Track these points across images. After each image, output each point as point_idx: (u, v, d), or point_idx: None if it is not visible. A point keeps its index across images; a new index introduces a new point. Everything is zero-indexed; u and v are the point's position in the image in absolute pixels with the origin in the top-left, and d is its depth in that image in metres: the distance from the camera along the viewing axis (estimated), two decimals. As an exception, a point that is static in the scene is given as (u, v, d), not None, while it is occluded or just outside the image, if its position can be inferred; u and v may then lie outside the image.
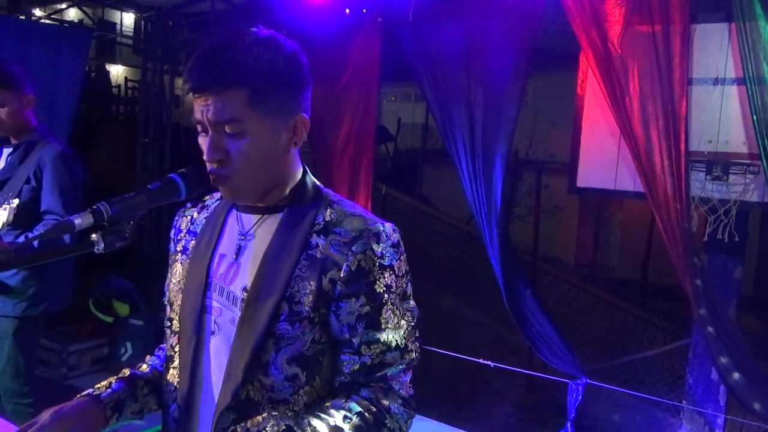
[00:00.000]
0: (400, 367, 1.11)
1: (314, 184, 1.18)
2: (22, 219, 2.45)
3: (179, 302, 1.19)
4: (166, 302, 1.30)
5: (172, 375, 1.18)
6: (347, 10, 3.99)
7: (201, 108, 1.04)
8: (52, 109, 4.53)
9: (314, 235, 1.10)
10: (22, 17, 4.93)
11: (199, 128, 1.07)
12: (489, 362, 3.53)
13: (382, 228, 1.10)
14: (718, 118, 3.21)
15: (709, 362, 3.60)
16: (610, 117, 3.24)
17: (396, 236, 1.12)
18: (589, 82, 3.60)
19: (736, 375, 3.00)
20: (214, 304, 1.14)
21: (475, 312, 6.78)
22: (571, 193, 4.26)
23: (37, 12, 5.77)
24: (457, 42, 3.59)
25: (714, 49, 3.16)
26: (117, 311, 4.47)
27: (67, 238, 2.25)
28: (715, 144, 3.22)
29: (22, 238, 2.43)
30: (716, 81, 3.20)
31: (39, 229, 2.47)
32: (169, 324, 1.22)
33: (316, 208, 1.13)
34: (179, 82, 6.27)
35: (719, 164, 3.23)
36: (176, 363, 1.17)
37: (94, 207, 0.97)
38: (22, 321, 2.60)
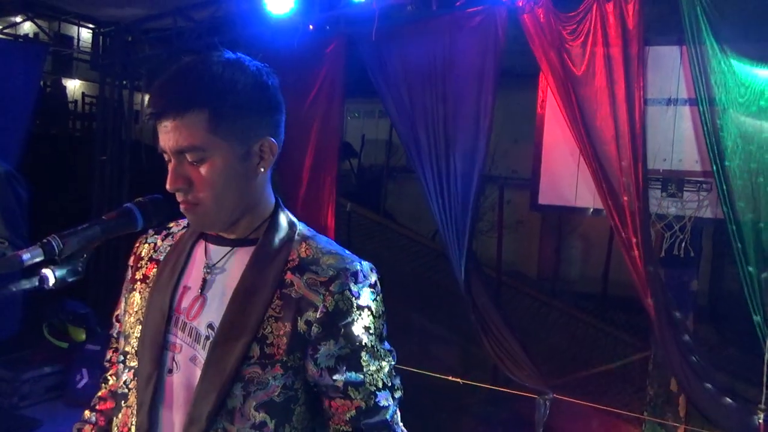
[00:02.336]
0: (394, 408, 1.08)
1: (287, 216, 1.13)
2: None
3: (136, 335, 1.10)
4: (116, 334, 1.22)
5: (125, 414, 1.09)
6: (311, 27, 4.00)
7: (163, 136, 1.01)
8: (4, 125, 4.38)
9: (288, 273, 1.04)
10: (-26, 31, 4.78)
11: (165, 157, 1.04)
12: (458, 380, 3.53)
13: (359, 267, 1.06)
14: (672, 137, 3.32)
15: (668, 374, 3.69)
16: (570, 135, 3.32)
17: (374, 276, 1.08)
18: (548, 101, 3.68)
19: (695, 384, 3.08)
20: (176, 340, 1.06)
21: (439, 327, 6.79)
22: (533, 210, 4.34)
23: (-11, 25, 5.59)
24: (420, 61, 3.63)
25: (667, 71, 3.28)
26: (72, 336, 4.30)
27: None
28: (669, 162, 3.33)
29: None
30: (669, 101, 3.31)
31: None
32: (122, 359, 1.13)
33: (290, 242, 1.08)
34: (138, 97, 6.16)
35: (674, 182, 3.33)
36: (130, 401, 1.08)
37: (45, 241, 0.92)
38: None
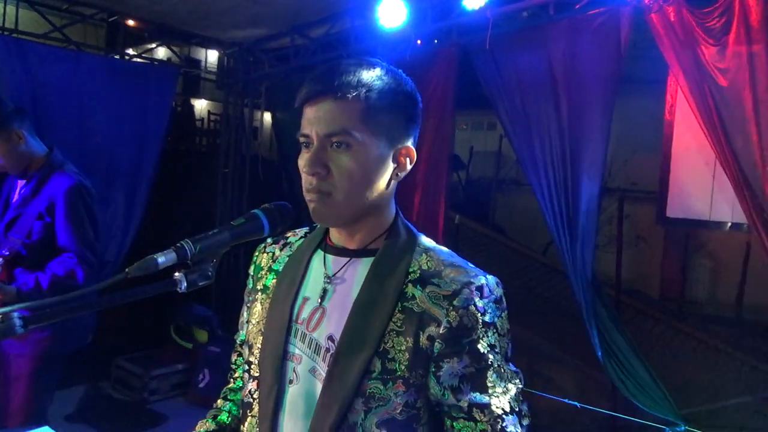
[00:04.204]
0: None
1: (407, 226, 1.11)
2: (34, 256, 2.36)
3: (259, 345, 1.11)
4: (240, 342, 1.24)
5: (251, 424, 1.10)
6: (419, 41, 3.99)
7: (312, 119, 1.01)
8: (142, 143, 4.78)
9: (410, 285, 1.01)
10: (117, 56, 5.27)
11: (304, 141, 1.03)
12: (575, 403, 3.33)
13: (485, 281, 1.02)
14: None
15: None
16: (704, 143, 3.03)
17: (499, 291, 1.03)
18: (678, 107, 3.42)
19: None
20: (296, 351, 1.06)
21: (551, 346, 6.50)
22: (660, 224, 4.03)
23: (130, 51, 6.16)
24: (536, 68, 3.50)
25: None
26: (196, 338, 4.57)
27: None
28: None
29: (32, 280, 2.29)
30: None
31: (53, 267, 2.35)
32: (247, 368, 1.14)
33: (410, 254, 1.05)
34: (257, 114, 6.49)
35: (832, 193, 2.94)
36: (255, 411, 1.09)
37: (178, 245, 0.93)
38: (41, 360, 2.44)
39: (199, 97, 13.08)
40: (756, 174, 2.76)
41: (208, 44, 5.76)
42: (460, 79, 3.94)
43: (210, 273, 0.96)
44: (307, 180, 1.02)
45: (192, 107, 11.55)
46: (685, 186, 3.47)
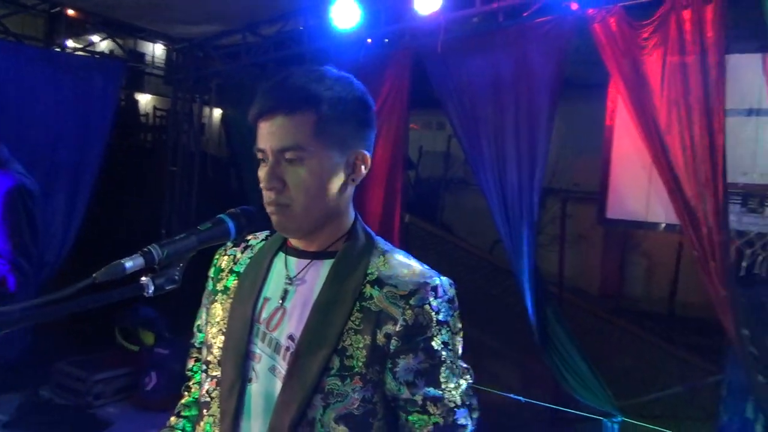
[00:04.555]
0: (472, 428, 1.07)
1: (365, 230, 1.14)
2: None
3: (219, 345, 1.12)
4: (198, 344, 1.25)
5: (208, 423, 1.11)
6: (368, 40, 4.02)
7: (265, 134, 1.04)
8: (85, 139, 4.63)
9: (368, 286, 1.05)
10: (58, 49, 5.07)
11: (261, 156, 1.06)
12: (520, 397, 3.45)
13: (439, 282, 1.07)
14: (753, 149, 3.16)
15: (744, 400, 3.49)
16: (641, 147, 3.20)
17: (452, 291, 1.08)
18: (619, 112, 3.58)
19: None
20: (256, 350, 1.09)
21: (496, 342, 6.68)
22: (601, 224, 4.20)
23: (70, 43, 5.94)
24: (486, 72, 3.61)
25: (748, 80, 3.13)
26: (142, 340, 4.46)
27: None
28: (750, 176, 3.17)
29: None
30: (750, 112, 3.16)
31: None
32: (205, 368, 1.16)
33: (369, 256, 1.09)
34: (206, 111, 6.39)
35: (755, 196, 3.17)
36: (213, 410, 1.11)
37: (145, 249, 0.94)
38: None
39: (143, 91, 12.70)
40: (687, 178, 2.95)
41: (155, 38, 5.62)
42: (410, 79, 4.02)
43: (177, 277, 0.97)
44: (266, 194, 1.06)
45: (136, 102, 11.21)
46: (624, 188, 3.64)
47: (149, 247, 0.95)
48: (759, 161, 3.14)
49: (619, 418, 3.28)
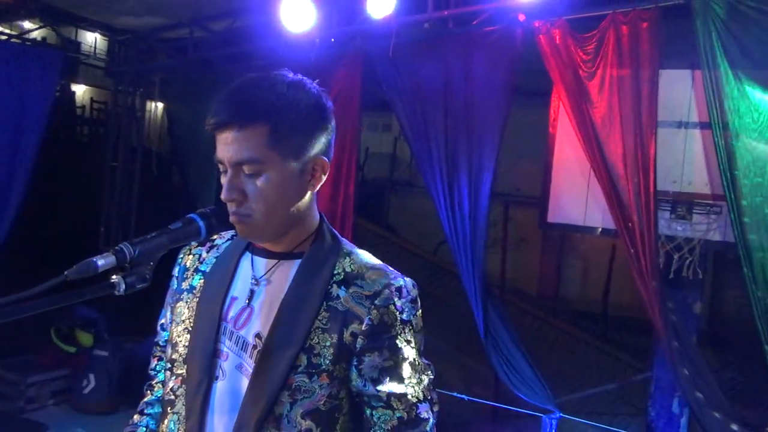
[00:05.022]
0: (433, 421, 1.11)
1: (331, 231, 1.17)
2: None
3: (185, 343, 1.14)
4: (162, 343, 1.25)
5: (172, 420, 1.12)
6: (317, 40, 4.02)
7: (222, 146, 1.05)
8: (18, 132, 4.41)
9: (334, 286, 1.09)
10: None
11: (221, 167, 1.07)
12: (463, 396, 3.54)
13: (403, 283, 1.11)
14: (682, 159, 3.37)
15: (670, 395, 3.71)
16: (581, 154, 3.36)
17: (415, 292, 1.12)
18: (560, 120, 3.73)
19: (700, 401, 3.10)
20: (223, 348, 1.10)
21: (439, 342, 6.79)
22: (542, 228, 4.36)
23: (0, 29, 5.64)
24: (436, 77, 3.69)
25: (678, 94, 3.34)
26: (80, 341, 4.29)
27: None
28: (679, 184, 3.38)
29: None
30: (680, 124, 3.37)
31: None
32: (169, 366, 1.16)
33: (335, 257, 1.12)
34: (150, 105, 6.20)
35: (683, 204, 3.38)
36: (177, 407, 1.12)
37: (117, 248, 0.94)
38: None
39: (78, 82, 12.16)
40: (622, 186, 3.11)
41: (95, 28, 5.42)
42: (361, 81, 4.05)
43: (147, 276, 0.97)
44: (228, 205, 1.07)
45: (73, 93, 10.71)
46: (564, 194, 3.78)
47: (120, 245, 0.95)
48: (687, 171, 3.35)
49: (558, 415, 3.42)
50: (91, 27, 5.40)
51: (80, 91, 12.02)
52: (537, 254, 9.82)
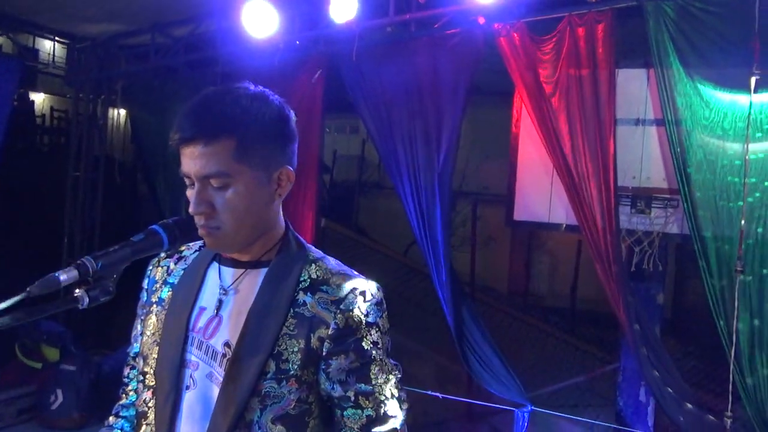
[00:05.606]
0: (402, 418, 1.13)
1: (297, 239, 1.19)
2: None
3: (154, 355, 1.15)
4: (134, 355, 1.26)
5: (146, 431, 1.15)
6: (280, 45, 4.02)
7: (188, 161, 1.06)
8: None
9: (301, 293, 1.10)
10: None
11: (187, 181, 1.08)
12: (437, 394, 3.58)
13: (367, 287, 1.13)
14: (640, 156, 3.48)
15: (637, 385, 3.82)
16: (544, 153, 3.44)
17: (380, 294, 1.14)
18: (523, 120, 3.81)
19: (664, 389, 3.21)
20: (192, 358, 1.12)
21: (411, 342, 6.84)
22: (509, 226, 4.44)
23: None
24: (399, 79, 3.73)
25: (635, 93, 3.44)
26: (46, 356, 4.19)
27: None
28: (638, 180, 3.48)
29: None
30: (638, 122, 3.47)
31: None
32: (141, 378, 1.18)
33: (301, 264, 1.14)
34: (113, 113, 6.10)
35: (642, 198, 3.48)
36: (150, 419, 1.14)
37: (79, 262, 0.95)
38: None
39: (37, 90, 11.86)
40: (583, 183, 3.20)
41: (53, 36, 5.30)
42: (325, 85, 4.06)
43: (111, 288, 0.97)
44: (195, 217, 1.08)
45: (32, 102, 10.43)
46: (529, 192, 3.86)
47: (82, 259, 0.95)
48: (645, 166, 3.46)
49: (530, 408, 3.49)
50: (49, 34, 5.29)
51: (39, 99, 11.72)
52: (506, 252, 9.94)
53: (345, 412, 1.10)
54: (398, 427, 1.12)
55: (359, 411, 1.10)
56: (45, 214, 5.70)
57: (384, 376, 1.12)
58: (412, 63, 3.69)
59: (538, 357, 7.17)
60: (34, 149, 8.88)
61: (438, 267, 3.58)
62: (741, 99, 2.80)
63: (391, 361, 1.16)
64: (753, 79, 2.72)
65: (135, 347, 1.25)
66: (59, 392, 3.99)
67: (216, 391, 1.08)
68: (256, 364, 1.06)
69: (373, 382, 1.10)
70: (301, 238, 1.21)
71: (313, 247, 1.21)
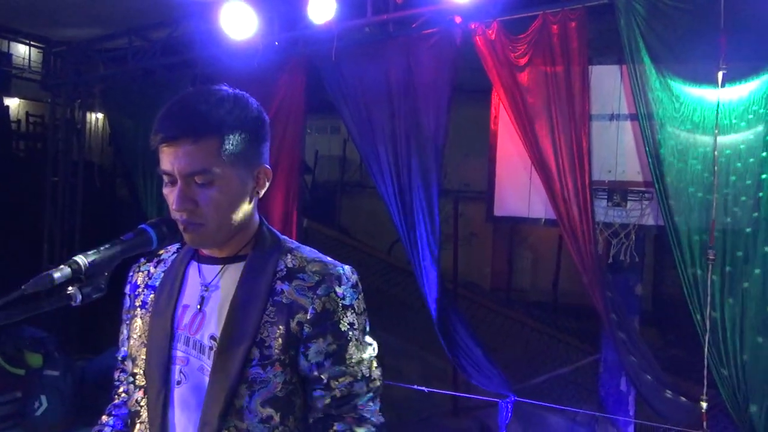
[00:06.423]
0: (369, 395, 1.18)
1: (271, 231, 1.24)
2: None
3: (143, 356, 1.20)
4: (122, 358, 1.31)
5: (140, 430, 1.19)
6: (259, 46, 4.03)
7: (171, 159, 1.09)
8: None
9: (278, 282, 1.15)
10: None
11: (166, 179, 1.12)
12: (423, 388, 3.63)
13: (342, 271, 1.18)
14: (615, 150, 3.56)
15: (618, 375, 3.91)
16: (522, 149, 3.50)
17: (354, 277, 1.19)
18: (501, 117, 3.87)
19: (643, 378, 3.29)
20: (179, 354, 1.17)
21: (396, 339, 6.89)
22: (489, 222, 4.50)
23: None
24: (378, 79, 3.77)
25: (609, 88, 3.52)
26: (28, 362, 4.15)
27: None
28: (613, 174, 3.56)
29: None
30: (612, 117, 3.55)
31: None
32: (132, 379, 1.23)
33: (277, 255, 1.18)
34: (90, 117, 6.05)
35: (618, 192, 3.57)
36: (143, 417, 1.18)
37: (72, 260, 0.97)
38: None
39: (11, 95, 11.67)
40: (560, 177, 3.27)
41: (28, 40, 5.25)
42: (305, 86, 4.08)
43: (102, 286, 1.00)
44: (177, 214, 1.12)
45: (6, 108, 10.28)
46: (508, 188, 3.92)
47: (75, 257, 0.98)
48: (620, 161, 3.54)
49: (513, 399, 3.55)
50: (24, 39, 5.24)
51: (14, 104, 11.55)
52: (488, 248, 10.02)
53: (314, 393, 1.16)
54: (358, 404, 1.16)
55: (327, 392, 1.15)
56: (23, 220, 5.64)
57: (358, 356, 1.17)
58: (391, 63, 3.73)
59: (522, 351, 7.25)
60: (10, 155, 8.76)
61: (421, 264, 3.63)
62: (709, 93, 2.88)
63: (368, 340, 1.21)
64: (720, 74, 2.80)
65: (123, 351, 1.29)
66: (43, 398, 3.96)
67: (207, 382, 1.13)
68: (241, 352, 1.10)
69: (347, 362, 1.15)
70: (276, 231, 1.26)
71: (288, 238, 1.26)
